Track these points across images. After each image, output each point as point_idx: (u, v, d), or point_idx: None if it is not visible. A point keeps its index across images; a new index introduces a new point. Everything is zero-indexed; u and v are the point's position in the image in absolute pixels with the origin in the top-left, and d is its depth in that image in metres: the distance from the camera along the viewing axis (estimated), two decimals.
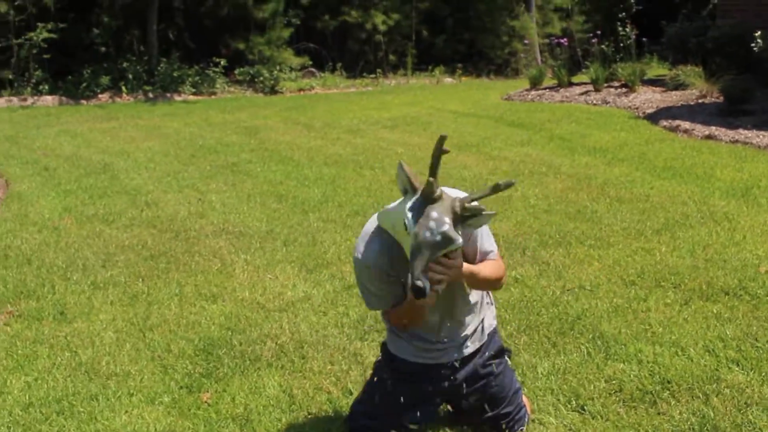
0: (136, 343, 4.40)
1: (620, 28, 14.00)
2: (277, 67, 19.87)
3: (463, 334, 3.20)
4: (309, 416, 3.55)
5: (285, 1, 20.69)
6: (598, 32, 14.35)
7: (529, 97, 14.67)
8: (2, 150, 10.65)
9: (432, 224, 2.64)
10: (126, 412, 3.65)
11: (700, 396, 3.58)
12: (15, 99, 16.53)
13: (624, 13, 14.15)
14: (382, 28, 22.46)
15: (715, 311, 4.51)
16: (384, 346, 3.35)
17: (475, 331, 3.24)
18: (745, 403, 3.50)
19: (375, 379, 3.35)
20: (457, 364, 3.20)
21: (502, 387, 3.29)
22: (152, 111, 14.96)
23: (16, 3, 16.75)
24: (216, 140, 11.07)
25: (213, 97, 17.85)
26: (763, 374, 3.75)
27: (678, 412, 3.45)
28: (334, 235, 6.19)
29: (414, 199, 2.71)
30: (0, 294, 5.17)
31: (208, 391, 3.82)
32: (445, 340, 3.16)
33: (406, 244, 2.75)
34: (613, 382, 3.76)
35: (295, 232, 6.41)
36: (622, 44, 13.96)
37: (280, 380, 3.90)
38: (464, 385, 3.24)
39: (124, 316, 4.78)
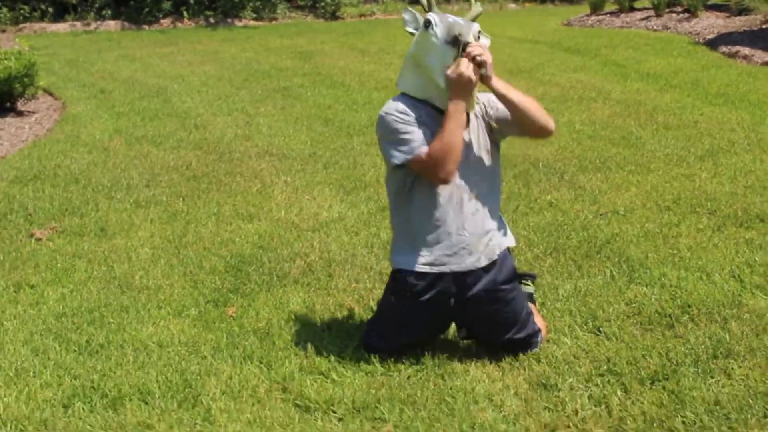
0: (170, 259, 4.52)
1: None
2: None
3: (479, 235, 3.20)
4: (328, 331, 3.62)
5: None
6: None
7: (589, 22, 14.38)
8: (62, 73, 10.84)
9: (451, 18, 2.96)
10: (153, 323, 3.77)
11: (719, 320, 3.56)
12: (78, 24, 16.75)
13: None
14: None
15: (747, 237, 4.46)
16: (392, 266, 3.38)
17: (489, 242, 3.24)
18: (763, 328, 3.47)
19: (384, 298, 3.41)
20: (465, 279, 3.20)
21: (513, 312, 3.30)
22: (212, 36, 15.05)
23: None
24: (270, 65, 11.11)
25: (274, 22, 17.84)
26: None
27: (694, 335, 3.43)
28: (375, 158, 6.22)
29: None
30: (46, 210, 5.33)
31: (233, 306, 3.92)
32: (465, 233, 3.17)
33: (436, 65, 3.00)
34: (633, 305, 3.75)
35: (337, 155, 6.46)
36: None
37: (304, 297, 3.98)
38: (474, 306, 3.25)
39: (162, 234, 4.90)
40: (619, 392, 3.05)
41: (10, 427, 2.94)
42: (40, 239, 4.85)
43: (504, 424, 2.90)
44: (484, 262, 3.20)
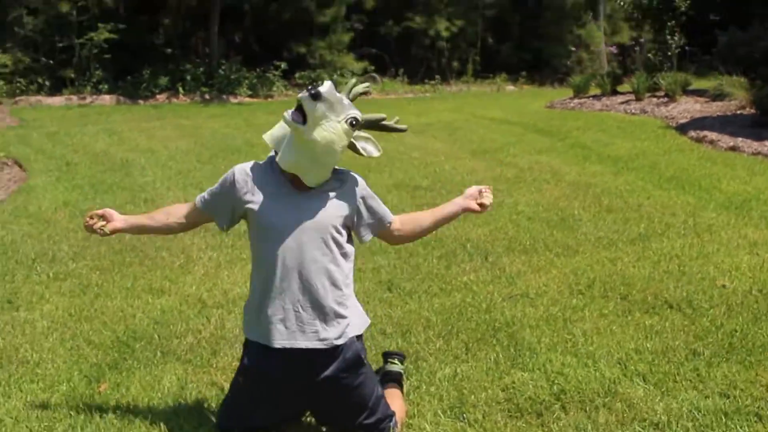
0: (64, 333, 4.48)
1: (669, 37, 13.66)
2: (338, 72, 20.02)
3: (317, 322, 3.11)
4: (190, 411, 3.54)
5: (347, 6, 20.82)
6: (641, 40, 14.02)
7: (571, 105, 14.47)
8: (37, 145, 10.97)
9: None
10: (20, 397, 3.71)
11: (589, 409, 3.47)
12: (74, 97, 17.04)
13: (673, 21, 13.80)
14: (445, 34, 22.46)
15: (649, 323, 4.38)
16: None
17: (330, 325, 3.14)
18: (633, 417, 3.38)
19: (235, 374, 3.35)
20: (303, 359, 3.13)
21: (361, 397, 3.22)
22: (201, 112, 15.25)
23: (78, 4, 17.23)
24: (245, 141, 11.22)
25: (269, 99, 18.09)
26: (664, 389, 3.62)
27: (558, 424, 3.34)
28: None
29: None
30: None
31: (107, 382, 3.86)
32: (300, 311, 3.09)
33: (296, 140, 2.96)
34: (509, 390, 3.67)
35: None
36: (670, 53, 13.62)
37: (181, 374, 3.92)
38: (318, 390, 3.18)
39: (67, 307, 4.87)
40: None
41: None
42: None
43: None
44: (318, 345, 3.12)
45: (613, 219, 6.49)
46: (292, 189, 3.08)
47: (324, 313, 3.08)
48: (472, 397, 3.61)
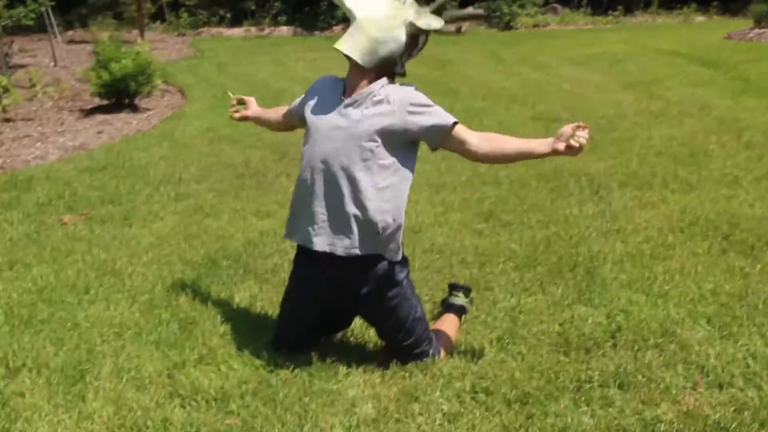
0: (163, 249, 4.73)
1: None
2: (518, 3, 19.60)
3: (340, 228, 3.09)
4: (255, 327, 3.68)
5: None
6: None
7: (750, 35, 13.56)
8: (203, 74, 11.47)
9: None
10: (104, 305, 3.98)
11: (638, 348, 3.34)
12: (253, 29, 17.60)
13: None
14: None
15: (739, 265, 4.15)
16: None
17: (354, 233, 3.09)
18: (681, 359, 3.24)
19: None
20: (335, 263, 3.13)
21: (396, 320, 3.23)
22: None
23: None
24: None
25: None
26: (726, 333, 3.44)
27: (601, 362, 3.25)
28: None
29: None
30: (89, 198, 5.73)
31: (185, 295, 4.06)
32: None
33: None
34: (566, 325, 3.60)
35: None
36: None
37: (255, 292, 4.06)
38: (352, 304, 3.28)
39: (175, 226, 5.15)
40: (477, 411, 2.94)
41: None
42: (65, 224, 5.20)
43: (342, 430, 2.87)
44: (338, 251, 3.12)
45: (747, 156, 6.12)
46: (342, 97, 3.11)
47: (346, 221, 3.06)
48: (525, 329, 3.55)
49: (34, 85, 9.18)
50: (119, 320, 3.77)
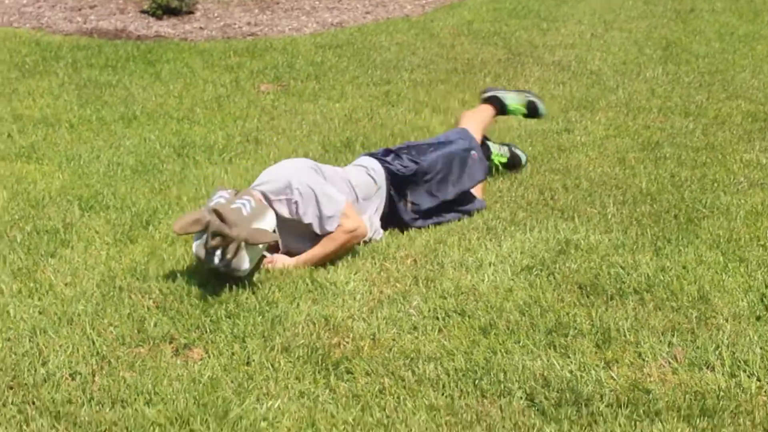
0: (312, 130, 4.89)
1: None
2: None
3: None
4: None
5: None
6: None
7: None
8: None
9: None
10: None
11: (642, 300, 2.95)
12: None
13: None
14: None
15: None
16: None
17: None
18: (699, 314, 2.82)
19: None
20: None
21: None
22: None
23: None
24: None
25: None
26: None
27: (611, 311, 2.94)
28: None
29: None
30: (298, 71, 6.07)
31: None
32: None
33: None
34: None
35: None
36: None
37: None
38: None
39: (371, 99, 5.43)
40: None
41: None
42: (261, 92, 5.58)
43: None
44: None
45: None
46: None
47: None
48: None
49: None
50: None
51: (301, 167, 3.28)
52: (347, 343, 2.68)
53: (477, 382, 2.46)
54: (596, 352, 2.64)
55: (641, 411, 2.34)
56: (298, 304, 2.90)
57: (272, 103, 5.30)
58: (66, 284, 3.07)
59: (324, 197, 3.16)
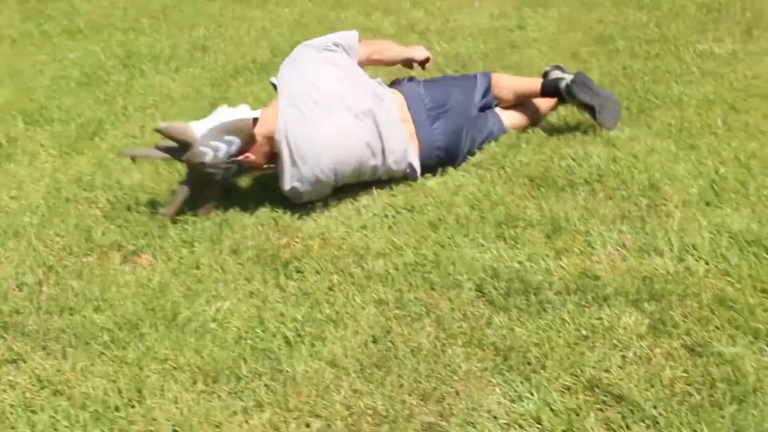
0: (294, 25, 4.82)
1: None
2: None
3: None
4: None
5: None
6: None
7: None
8: None
9: None
10: None
11: (594, 192, 2.94)
12: None
13: None
14: None
15: None
16: None
17: None
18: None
19: None
20: None
21: None
22: None
23: None
24: None
25: None
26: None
27: (552, 201, 2.92)
28: None
29: None
30: None
31: None
32: None
33: None
34: (569, 160, 3.23)
35: None
36: None
37: None
38: None
39: (320, 2, 5.42)
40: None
41: None
42: None
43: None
44: None
45: None
46: None
47: None
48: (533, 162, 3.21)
49: None
50: None
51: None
52: (296, 243, 2.66)
53: (426, 275, 2.45)
54: (546, 243, 2.62)
55: (590, 297, 2.33)
56: (246, 207, 2.87)
57: (219, 10, 5.20)
58: (11, 197, 3.02)
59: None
